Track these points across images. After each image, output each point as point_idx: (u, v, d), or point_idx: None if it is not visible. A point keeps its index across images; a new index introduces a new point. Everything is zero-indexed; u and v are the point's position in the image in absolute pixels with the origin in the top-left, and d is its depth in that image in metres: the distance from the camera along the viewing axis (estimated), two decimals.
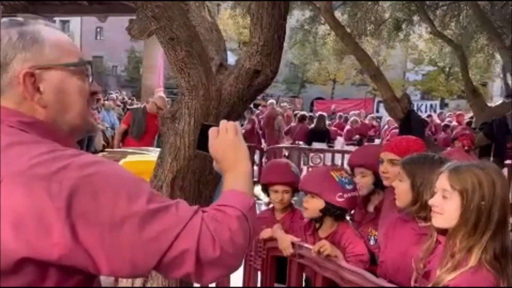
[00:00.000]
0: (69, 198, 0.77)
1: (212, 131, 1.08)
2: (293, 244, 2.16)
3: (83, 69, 0.95)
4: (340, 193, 2.14)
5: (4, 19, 0.92)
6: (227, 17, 8.67)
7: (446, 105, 25.41)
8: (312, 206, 2.19)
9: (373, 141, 12.62)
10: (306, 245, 2.14)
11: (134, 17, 4.02)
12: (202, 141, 1.13)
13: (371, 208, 2.47)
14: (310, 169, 8.08)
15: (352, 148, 9.54)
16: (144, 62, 17.60)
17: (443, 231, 1.51)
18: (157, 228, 0.81)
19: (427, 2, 7.78)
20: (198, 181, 2.48)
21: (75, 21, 32.64)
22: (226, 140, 1.06)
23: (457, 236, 1.42)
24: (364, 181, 2.40)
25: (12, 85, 0.88)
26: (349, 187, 2.19)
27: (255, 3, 2.13)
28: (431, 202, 1.51)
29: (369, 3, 7.92)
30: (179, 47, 2.27)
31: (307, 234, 2.28)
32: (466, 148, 4.31)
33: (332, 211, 2.17)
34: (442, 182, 1.47)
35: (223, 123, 1.08)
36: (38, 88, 0.89)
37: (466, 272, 1.36)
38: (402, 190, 1.80)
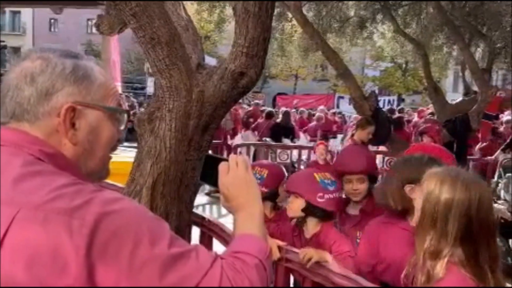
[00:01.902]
0: (90, 235, 0.71)
1: (222, 167, 1.02)
2: (279, 248, 2.15)
3: (118, 116, 0.93)
4: (321, 194, 2.19)
5: (60, 49, 0.88)
6: (193, 12, 8.53)
7: (403, 100, 26.29)
8: (295, 205, 2.24)
9: (336, 137, 12.85)
10: (293, 249, 2.12)
11: (100, 12, 3.86)
12: (207, 174, 1.07)
13: (355, 211, 2.49)
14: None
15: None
16: (103, 56, 17.04)
17: None
18: (178, 275, 0.76)
19: (390, 2, 7.95)
20: (179, 185, 2.41)
21: (26, 12, 31.20)
22: (237, 177, 1.01)
23: (417, 235, 1.42)
24: (363, 186, 2.44)
25: (50, 115, 0.84)
26: (331, 188, 2.24)
27: (241, 4, 2.07)
28: None
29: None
30: (160, 47, 2.18)
31: (294, 235, 2.27)
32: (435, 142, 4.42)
33: (313, 211, 2.21)
34: (423, 183, 1.48)
35: (233, 158, 1.03)
36: (74, 124, 0.85)
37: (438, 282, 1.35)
38: None
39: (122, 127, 0.95)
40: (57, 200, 0.73)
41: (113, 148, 0.95)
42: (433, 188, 1.40)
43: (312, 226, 2.25)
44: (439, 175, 1.43)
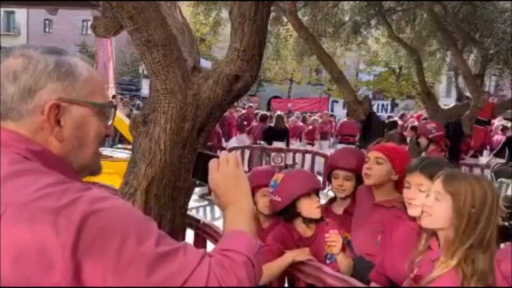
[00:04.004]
0: (77, 233, 0.71)
1: (212, 164, 1.02)
2: None
3: (105, 111, 0.92)
4: None
5: (42, 46, 0.86)
6: (189, 14, 8.54)
7: (397, 105, 26.43)
8: (351, 185, 2.46)
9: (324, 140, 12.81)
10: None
11: (96, 14, 3.87)
12: (198, 171, 1.08)
13: (339, 210, 2.51)
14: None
15: (309, 148, 9.73)
16: (97, 58, 16.97)
17: (434, 233, 1.56)
18: (165, 272, 0.77)
19: (385, 7, 8.01)
20: (173, 188, 2.42)
21: (21, 13, 31.07)
22: (227, 174, 1.01)
23: (451, 241, 1.47)
24: (349, 184, 2.47)
25: (34, 113, 0.83)
26: None
27: (237, 8, 2.09)
28: (424, 202, 1.56)
29: (330, 5, 8.05)
30: (156, 49, 2.20)
31: (296, 239, 2.25)
32: (440, 149, 4.50)
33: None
34: (437, 185, 1.51)
35: (224, 155, 1.03)
36: (59, 121, 0.84)
37: (445, 273, 1.43)
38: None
39: (110, 122, 0.94)
40: (43, 198, 0.73)
41: (103, 143, 0.95)
42: (466, 191, 1.46)
43: (311, 226, 2.23)
44: (463, 177, 1.54)
